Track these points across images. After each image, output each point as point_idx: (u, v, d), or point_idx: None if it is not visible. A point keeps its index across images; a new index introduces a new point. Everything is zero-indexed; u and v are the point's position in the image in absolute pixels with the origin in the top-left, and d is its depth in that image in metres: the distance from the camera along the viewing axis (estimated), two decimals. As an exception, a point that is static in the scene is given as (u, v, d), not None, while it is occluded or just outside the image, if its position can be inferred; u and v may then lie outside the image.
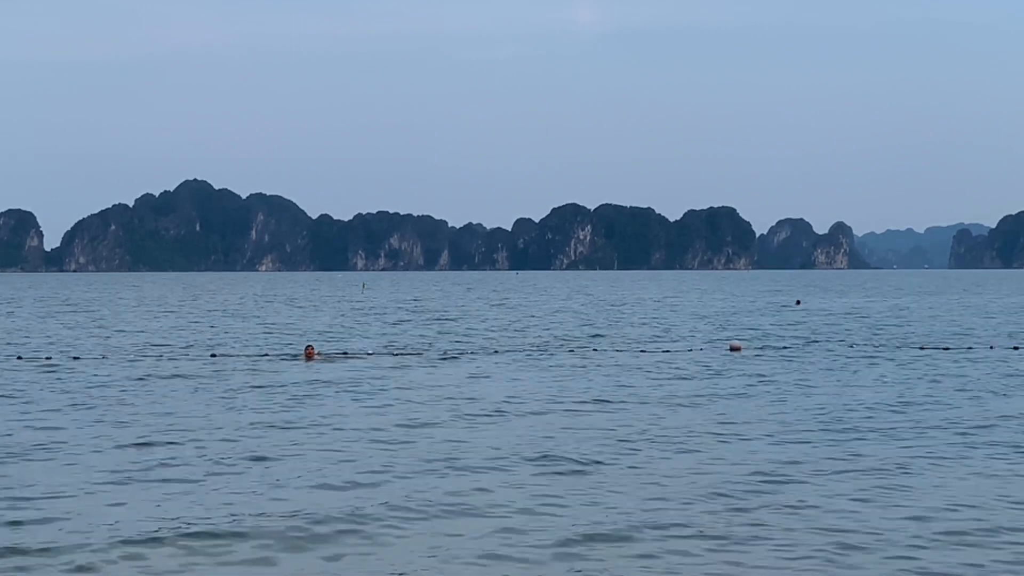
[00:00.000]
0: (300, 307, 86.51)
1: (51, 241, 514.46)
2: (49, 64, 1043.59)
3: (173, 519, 13.55)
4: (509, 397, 25.71)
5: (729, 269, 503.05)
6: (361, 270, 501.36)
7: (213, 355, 37.67)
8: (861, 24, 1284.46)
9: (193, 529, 13.10)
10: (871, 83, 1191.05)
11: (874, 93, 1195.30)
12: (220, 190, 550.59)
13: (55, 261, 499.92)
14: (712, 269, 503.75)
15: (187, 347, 42.08)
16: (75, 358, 36.65)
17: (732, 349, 40.78)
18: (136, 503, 14.52)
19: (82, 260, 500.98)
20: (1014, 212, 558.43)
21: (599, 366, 33.98)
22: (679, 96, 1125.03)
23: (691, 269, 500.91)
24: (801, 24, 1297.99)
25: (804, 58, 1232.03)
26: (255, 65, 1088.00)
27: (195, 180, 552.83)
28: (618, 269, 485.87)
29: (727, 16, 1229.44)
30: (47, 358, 36.67)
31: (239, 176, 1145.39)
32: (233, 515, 13.76)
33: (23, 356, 37.67)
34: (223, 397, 25.85)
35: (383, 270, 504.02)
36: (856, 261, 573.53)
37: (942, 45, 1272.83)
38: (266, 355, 37.89)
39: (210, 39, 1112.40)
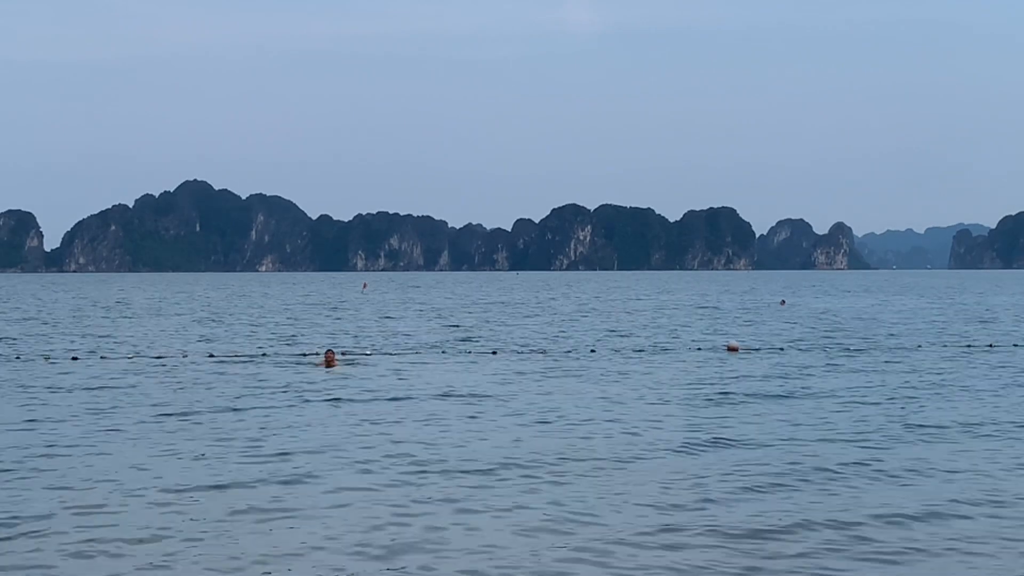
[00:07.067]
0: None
1: (51, 241, 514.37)
2: (49, 64, 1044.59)
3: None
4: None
5: (729, 269, 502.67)
6: (361, 270, 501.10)
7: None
8: (860, 25, 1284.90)
9: None
10: (871, 84, 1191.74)
11: (874, 94, 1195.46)
12: (220, 190, 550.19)
13: (55, 261, 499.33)
14: (712, 269, 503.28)
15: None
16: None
17: (730, 349, 40.51)
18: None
19: (82, 260, 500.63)
20: (1014, 212, 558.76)
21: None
22: (679, 96, 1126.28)
23: (691, 270, 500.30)
24: (800, 26, 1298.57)
25: (804, 59, 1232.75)
26: (255, 65, 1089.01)
27: (195, 180, 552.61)
28: (618, 269, 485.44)
29: (726, 17, 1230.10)
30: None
31: (239, 176, 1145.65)
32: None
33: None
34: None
35: (383, 270, 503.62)
36: (856, 261, 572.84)
37: (942, 46, 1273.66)
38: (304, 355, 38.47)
39: (210, 39, 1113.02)
